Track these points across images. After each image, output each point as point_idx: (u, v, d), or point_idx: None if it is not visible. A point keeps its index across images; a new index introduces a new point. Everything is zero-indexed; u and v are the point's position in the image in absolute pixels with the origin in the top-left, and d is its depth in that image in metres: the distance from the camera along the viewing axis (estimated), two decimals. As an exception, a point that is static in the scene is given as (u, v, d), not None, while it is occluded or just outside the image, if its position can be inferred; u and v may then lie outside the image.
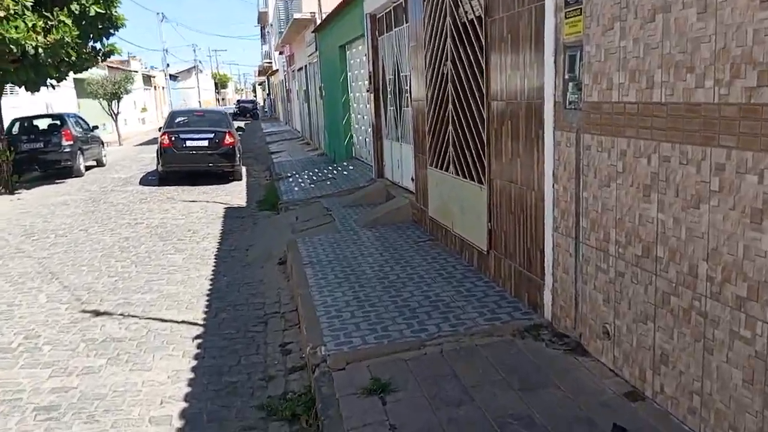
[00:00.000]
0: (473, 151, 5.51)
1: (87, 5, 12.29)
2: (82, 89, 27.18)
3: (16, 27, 11.16)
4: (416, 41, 7.07)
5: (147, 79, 50.15)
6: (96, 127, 17.78)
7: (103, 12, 12.65)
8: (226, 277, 6.58)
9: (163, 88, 56.80)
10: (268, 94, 61.08)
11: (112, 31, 13.58)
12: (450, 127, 6.07)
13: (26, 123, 15.65)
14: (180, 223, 9.47)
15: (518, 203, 4.60)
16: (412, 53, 7.31)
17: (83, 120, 17.32)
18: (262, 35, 52.86)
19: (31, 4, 11.56)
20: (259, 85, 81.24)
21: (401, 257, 6.15)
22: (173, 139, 13.53)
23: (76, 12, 12.21)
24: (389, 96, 9.30)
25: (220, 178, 14.17)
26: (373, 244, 6.77)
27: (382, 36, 9.51)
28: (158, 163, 13.92)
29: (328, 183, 11.44)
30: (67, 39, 11.78)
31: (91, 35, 13.46)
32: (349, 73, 13.76)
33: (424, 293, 4.93)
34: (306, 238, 7.36)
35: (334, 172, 12.79)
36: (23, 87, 13.92)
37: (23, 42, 10.93)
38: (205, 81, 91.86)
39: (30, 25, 11.47)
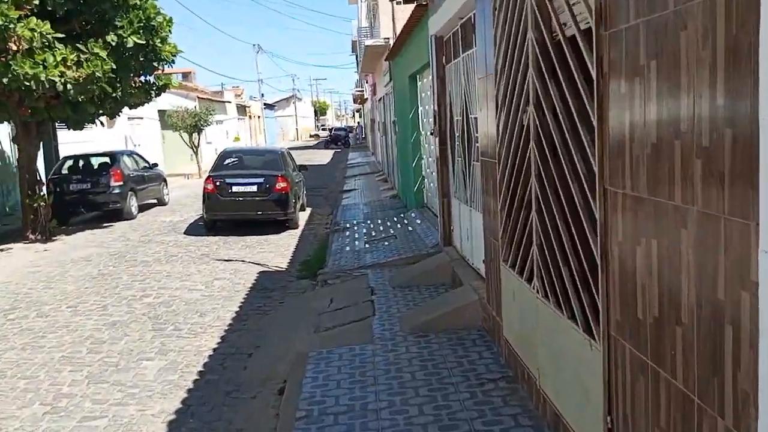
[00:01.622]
0: (574, 268, 3.08)
1: (125, 36, 10.94)
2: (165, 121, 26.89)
3: (43, 61, 9.93)
4: (484, 72, 4.75)
5: (242, 109, 50.71)
6: (156, 165, 16.68)
7: (143, 43, 11.26)
8: (192, 421, 4.46)
9: (258, 117, 57.44)
10: (358, 123, 60.43)
11: (155, 64, 12.20)
12: (533, 213, 3.67)
13: (77, 161, 14.68)
14: (192, 299, 7.58)
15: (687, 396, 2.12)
16: (480, 88, 4.98)
17: (141, 157, 16.26)
18: (357, 64, 52.35)
19: (62, 36, 10.32)
20: (356, 111, 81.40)
21: (454, 417, 3.79)
22: (218, 184, 11.87)
23: (113, 43, 10.89)
24: (456, 143, 6.98)
25: (275, 225, 12.40)
26: (415, 378, 4.44)
27: (450, 64, 7.24)
28: (203, 210, 12.32)
29: (386, 243, 9.21)
30: (98, 73, 10.42)
31: (135, 69, 12.15)
32: (420, 108, 11.58)
33: None
34: (324, 351, 5.13)
35: (398, 226, 10.56)
36: (66, 126, 12.88)
37: (42, 78, 9.64)
38: (304, 109, 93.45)
39: (59, 59, 10.22)
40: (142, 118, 25.89)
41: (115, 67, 11.11)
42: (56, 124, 14.51)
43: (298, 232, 12.28)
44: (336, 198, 17.32)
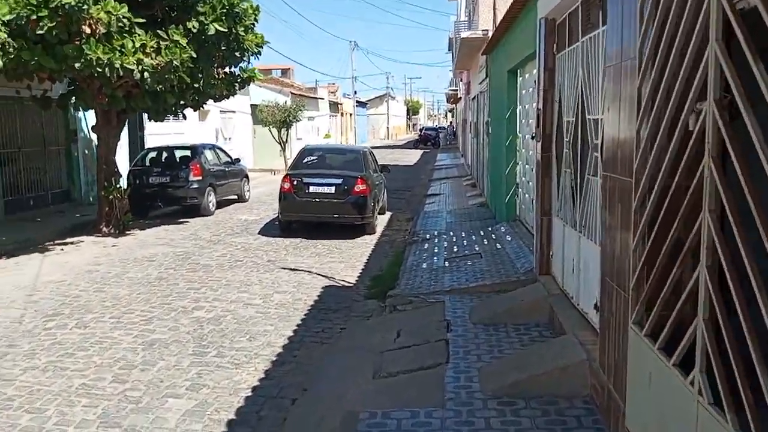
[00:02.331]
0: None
1: (206, 22, 10.29)
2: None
3: (121, 47, 9.43)
4: (617, 57, 3.41)
5: (334, 106, 50.66)
6: (238, 160, 16.21)
7: (225, 31, 10.57)
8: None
9: (350, 114, 57.33)
10: (450, 123, 58.97)
11: (237, 54, 11.51)
12: (702, 268, 2.34)
13: (159, 154, 14.39)
14: (245, 317, 6.68)
15: None
16: (611, 80, 3.64)
17: (223, 151, 15.81)
18: (453, 62, 50.94)
19: (142, 21, 9.80)
20: (449, 111, 79.92)
21: None
22: (295, 183, 11.21)
23: (194, 30, 10.26)
24: (565, 151, 5.61)
25: (351, 229, 11.55)
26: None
27: (562, 52, 5.88)
28: (279, 210, 11.71)
29: (470, 263, 7.93)
30: (176, 62, 9.81)
31: (218, 59, 11.53)
32: (519, 107, 10.19)
33: None
34: (379, 414, 3.99)
35: (485, 242, 9.24)
36: (148, 117, 12.51)
37: (117, 64, 9.12)
38: (397, 107, 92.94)
39: (138, 45, 9.70)
40: (234, 112, 25.92)
41: (195, 55, 10.51)
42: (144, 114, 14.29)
43: (374, 238, 11.25)
44: (419, 203, 16.16)
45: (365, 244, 10.73)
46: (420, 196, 17.53)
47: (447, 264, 8.06)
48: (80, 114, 14.47)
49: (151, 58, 9.80)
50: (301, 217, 11.40)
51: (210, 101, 13.47)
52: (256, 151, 28.55)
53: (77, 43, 9.03)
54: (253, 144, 28.37)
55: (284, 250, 10.17)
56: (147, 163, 13.93)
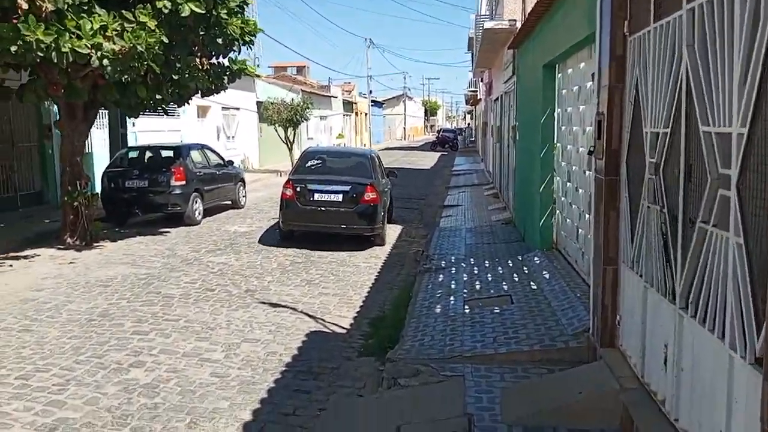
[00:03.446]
0: None
1: (180, 2, 8.61)
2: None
3: (76, 28, 7.80)
4: None
5: (348, 105, 49.02)
6: (231, 162, 14.53)
7: (203, 13, 8.89)
8: None
9: (365, 114, 55.62)
10: (468, 125, 57.13)
11: (220, 41, 9.83)
12: None
13: (140, 154, 12.75)
14: (195, 383, 4.98)
15: None
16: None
17: (214, 152, 14.14)
18: (472, 62, 49.06)
19: (104, -2, 8.17)
20: (468, 113, 78.02)
21: None
22: (298, 189, 10.18)
23: (165, 11, 8.59)
24: (648, 176, 3.80)
25: (358, 240, 10.43)
26: None
27: (641, 32, 4.09)
28: (279, 217, 10.69)
29: (497, 310, 6.15)
30: (140, 47, 8.16)
31: (200, 47, 9.88)
32: (557, 110, 8.41)
33: None
34: None
35: (515, 277, 7.45)
36: (125, 112, 10.87)
37: (65, 48, 7.48)
38: (414, 108, 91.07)
39: (98, 27, 8.06)
40: (238, 109, 24.35)
41: (167, 41, 8.86)
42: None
43: (378, 261, 9.52)
44: (434, 215, 14.39)
45: (367, 269, 9.00)
46: (435, 207, 15.74)
47: (467, 309, 6.29)
48: (55, 107, 12.88)
49: (112, 43, 8.16)
50: (304, 227, 10.37)
51: (198, 96, 11.83)
52: (262, 150, 26.95)
53: (14, 22, 7.40)
54: (259, 143, 26.76)
55: (269, 276, 8.47)
56: (125, 165, 12.30)
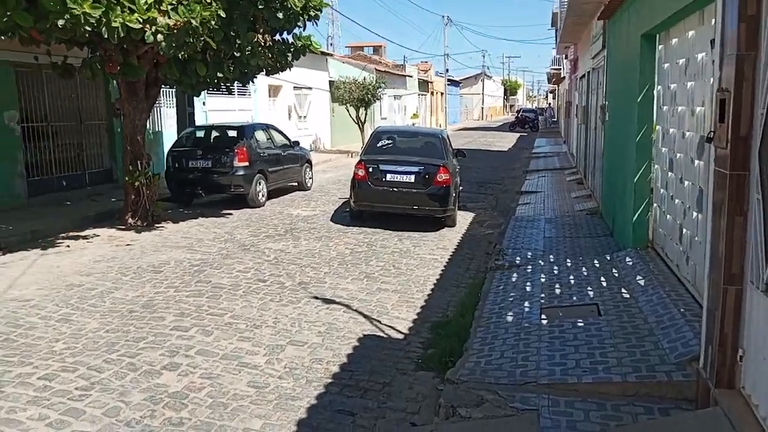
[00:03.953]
0: None
1: (238, -30, 8.05)
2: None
3: (130, 3, 7.39)
4: None
5: (424, 85, 47.90)
6: (297, 143, 14.04)
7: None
8: None
9: (441, 94, 54.30)
10: (549, 105, 54.70)
11: (280, 15, 9.20)
12: None
13: (206, 134, 12.47)
14: (228, 393, 4.42)
15: None
16: None
17: (280, 132, 13.67)
18: (556, 39, 46.65)
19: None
20: (550, 92, 74.96)
21: None
22: (371, 170, 10.15)
23: (224, -18, 8.05)
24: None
25: (426, 222, 10.36)
26: None
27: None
28: (350, 197, 10.64)
29: (581, 324, 5.22)
30: (194, 22, 7.65)
31: (259, 22, 9.32)
32: (657, 87, 7.24)
33: None
34: None
35: (602, 282, 6.45)
36: (186, 90, 10.51)
37: (116, 23, 7.06)
38: (493, 87, 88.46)
39: (151, 0, 7.62)
40: (310, 88, 23.94)
41: (224, 15, 8.33)
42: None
43: (447, 252, 8.72)
44: (510, 202, 13.37)
45: (433, 262, 8.23)
46: (512, 193, 14.69)
47: (544, 319, 5.41)
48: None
49: (167, 17, 7.69)
50: (375, 208, 10.30)
51: (263, 74, 11.34)
52: (335, 131, 26.52)
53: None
54: (331, 123, 26.33)
55: (326, 266, 7.87)
56: (190, 144, 12.04)
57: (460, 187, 11.62)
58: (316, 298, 6.62)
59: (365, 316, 6.11)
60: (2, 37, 8.84)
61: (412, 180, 9.94)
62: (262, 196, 12.07)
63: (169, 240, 9.12)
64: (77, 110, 12.14)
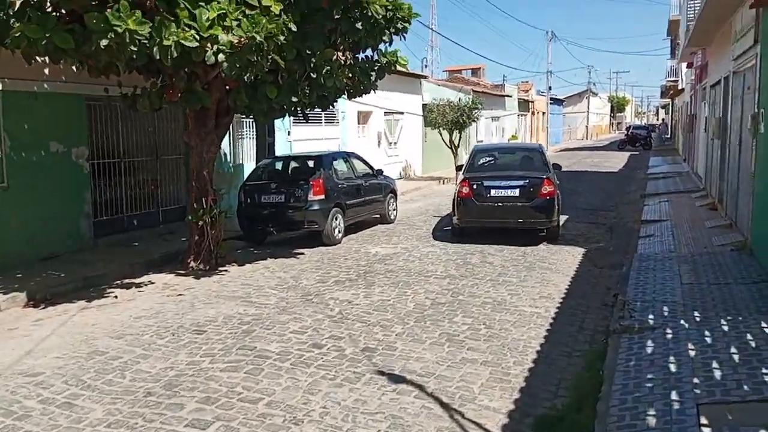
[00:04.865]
0: None
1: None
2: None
3: (192, 19, 6.45)
4: None
5: (524, 104, 45.69)
6: (380, 171, 12.74)
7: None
8: None
9: (543, 113, 51.69)
10: (662, 120, 50.46)
11: (359, 26, 7.95)
12: None
13: (284, 165, 11.47)
14: None
15: None
16: None
17: (362, 161, 12.45)
18: (672, 49, 42.86)
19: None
20: (662, 107, 69.77)
21: None
22: (475, 187, 10.45)
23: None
24: None
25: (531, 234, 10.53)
26: None
27: None
28: (453, 214, 10.89)
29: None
30: (258, 38, 6.54)
31: (338, 36, 8.17)
32: None
33: None
34: None
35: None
36: (256, 119, 9.54)
37: (170, 42, 6.10)
38: (598, 105, 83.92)
39: (215, 15, 6.62)
40: (402, 113, 22.79)
41: (295, 29, 7.20)
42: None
43: (552, 300, 6.94)
44: (629, 233, 11.25)
45: (534, 317, 6.50)
46: (630, 222, 12.51)
47: (705, 426, 3.57)
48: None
49: (231, 34, 6.64)
50: (481, 223, 10.67)
51: (344, 97, 10.14)
52: (426, 157, 25.14)
53: (109, 10, 6.15)
54: (423, 149, 24.99)
55: (399, 324, 6.37)
56: (264, 178, 11.08)
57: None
58: (382, 373, 5.13)
59: (443, 405, 4.53)
60: (73, 69, 8.35)
61: (517, 194, 10.21)
62: (339, 232, 10.84)
63: (227, 288, 8.03)
64: (154, 144, 11.56)
